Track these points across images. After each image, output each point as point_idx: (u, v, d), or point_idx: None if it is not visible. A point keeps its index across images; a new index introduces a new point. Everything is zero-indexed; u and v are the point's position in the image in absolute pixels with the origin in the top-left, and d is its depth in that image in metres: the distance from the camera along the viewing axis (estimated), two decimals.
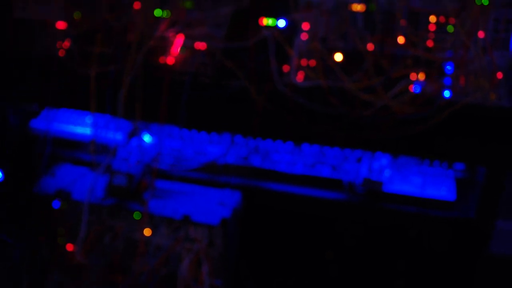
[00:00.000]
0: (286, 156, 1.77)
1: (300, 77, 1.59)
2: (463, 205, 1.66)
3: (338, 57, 1.57)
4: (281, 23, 1.62)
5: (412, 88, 1.54)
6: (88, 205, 1.67)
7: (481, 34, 1.50)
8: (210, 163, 1.77)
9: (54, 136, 1.79)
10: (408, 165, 1.75)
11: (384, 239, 1.73)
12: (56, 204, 1.71)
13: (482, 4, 1.49)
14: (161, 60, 1.63)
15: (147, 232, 1.68)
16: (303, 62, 1.59)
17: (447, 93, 1.54)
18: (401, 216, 1.67)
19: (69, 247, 1.73)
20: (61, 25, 1.69)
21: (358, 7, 1.58)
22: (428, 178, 1.71)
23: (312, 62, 1.59)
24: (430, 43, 1.55)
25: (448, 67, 1.54)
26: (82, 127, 1.84)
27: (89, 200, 1.67)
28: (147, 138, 1.76)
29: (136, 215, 1.68)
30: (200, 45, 1.63)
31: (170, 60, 1.63)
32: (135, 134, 1.77)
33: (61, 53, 1.68)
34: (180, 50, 1.63)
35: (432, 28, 1.54)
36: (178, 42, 1.64)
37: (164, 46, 1.63)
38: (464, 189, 1.69)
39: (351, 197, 1.70)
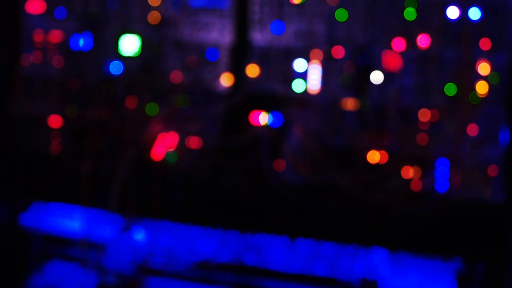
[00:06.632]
0: (280, 253, 1.75)
1: (293, 173, 1.59)
2: None
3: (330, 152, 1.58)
4: (274, 119, 1.63)
5: (406, 184, 1.54)
6: None
7: (472, 129, 1.52)
8: (203, 262, 1.74)
9: (43, 231, 1.76)
10: (406, 259, 1.72)
11: None
12: None
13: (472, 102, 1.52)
14: (154, 156, 1.64)
15: None
16: (296, 158, 1.60)
17: (441, 188, 1.54)
18: None
19: None
20: (54, 120, 1.70)
21: (350, 105, 1.60)
22: (427, 273, 1.68)
23: (305, 158, 1.59)
24: (422, 139, 1.56)
25: (441, 162, 1.54)
26: (72, 222, 1.82)
27: None
28: (139, 235, 1.74)
29: None
30: (193, 142, 1.64)
31: (162, 156, 1.63)
32: (126, 229, 1.75)
33: (53, 148, 1.69)
34: (174, 149, 1.63)
35: (423, 123, 1.56)
36: (171, 138, 1.64)
37: (157, 143, 1.64)
38: (464, 284, 1.66)
39: None
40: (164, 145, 1.64)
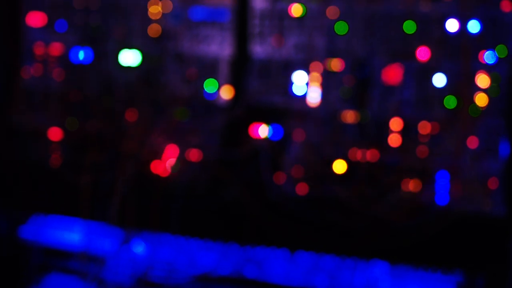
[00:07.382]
0: (280, 265, 1.74)
1: (293, 185, 1.59)
2: None
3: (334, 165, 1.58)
4: (274, 132, 1.63)
5: (406, 196, 1.54)
6: None
7: (472, 141, 1.52)
8: (203, 275, 1.73)
9: (43, 243, 1.76)
10: (406, 272, 1.71)
11: None
12: None
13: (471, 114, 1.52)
14: (154, 169, 1.63)
15: None
16: (296, 170, 1.60)
17: (441, 201, 1.53)
18: None
19: None
20: (54, 132, 1.70)
21: (350, 117, 1.60)
22: (428, 286, 1.67)
23: (305, 171, 1.59)
24: (422, 151, 1.55)
25: (441, 175, 1.54)
26: (72, 235, 1.81)
27: None
28: (138, 247, 1.74)
29: None
30: (193, 154, 1.64)
31: (163, 169, 1.63)
32: (126, 242, 1.74)
33: (53, 160, 1.69)
34: (174, 164, 1.63)
35: (423, 136, 1.56)
36: (171, 151, 1.64)
37: (157, 155, 1.64)
38: None
39: None
40: (164, 158, 1.64)
